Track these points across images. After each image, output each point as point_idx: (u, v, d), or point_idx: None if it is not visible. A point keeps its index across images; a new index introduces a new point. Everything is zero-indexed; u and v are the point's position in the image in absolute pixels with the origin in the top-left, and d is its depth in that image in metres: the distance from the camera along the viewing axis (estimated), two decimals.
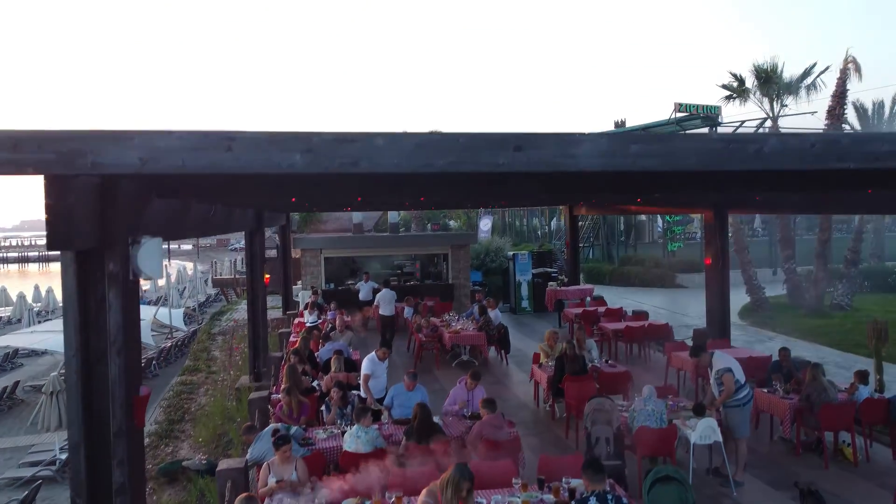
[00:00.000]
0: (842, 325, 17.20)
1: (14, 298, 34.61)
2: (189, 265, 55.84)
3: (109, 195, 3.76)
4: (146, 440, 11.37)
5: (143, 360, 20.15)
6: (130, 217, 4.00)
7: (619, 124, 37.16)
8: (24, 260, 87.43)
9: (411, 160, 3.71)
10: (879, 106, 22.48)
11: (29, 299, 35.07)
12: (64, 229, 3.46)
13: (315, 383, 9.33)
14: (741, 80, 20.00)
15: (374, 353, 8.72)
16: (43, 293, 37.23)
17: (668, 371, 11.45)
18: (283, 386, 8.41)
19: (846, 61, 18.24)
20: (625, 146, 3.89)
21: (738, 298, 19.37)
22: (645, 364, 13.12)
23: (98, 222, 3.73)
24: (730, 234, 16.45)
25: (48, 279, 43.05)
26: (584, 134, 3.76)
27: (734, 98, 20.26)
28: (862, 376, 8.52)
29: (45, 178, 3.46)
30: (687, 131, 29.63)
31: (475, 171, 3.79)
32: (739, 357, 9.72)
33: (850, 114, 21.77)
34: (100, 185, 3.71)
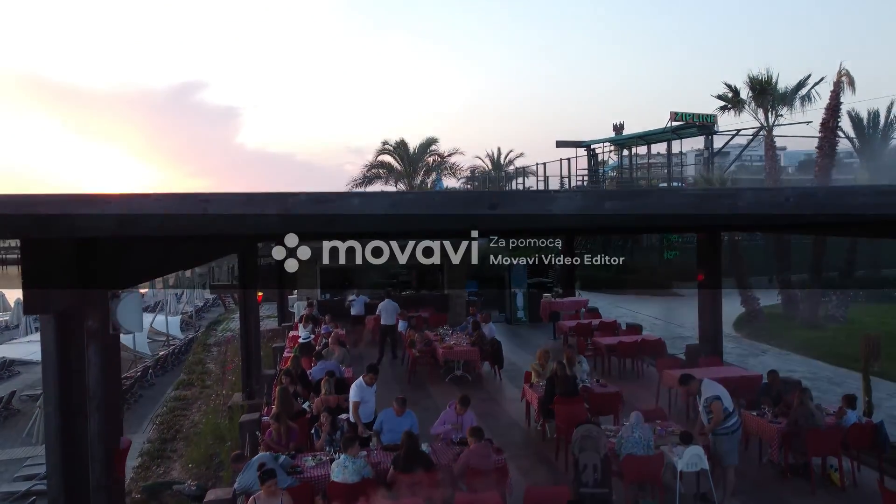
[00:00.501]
0: (835, 337, 17.24)
1: (12, 304, 34.58)
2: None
3: (87, 255, 3.79)
4: (139, 460, 11.41)
5: (139, 370, 20.23)
6: (109, 273, 4.03)
7: (618, 128, 37.42)
8: None
9: (386, 220, 3.74)
10: (875, 116, 22.56)
11: None
12: (41, 293, 3.49)
13: (306, 404, 9.35)
14: (736, 91, 20.07)
15: (361, 378, 8.73)
16: None
17: (659, 389, 11.47)
18: (273, 411, 8.43)
19: (840, 74, 18.29)
20: (599, 203, 3.92)
21: (733, 309, 19.40)
22: (638, 380, 13.12)
23: (76, 282, 3.75)
24: (725, 237, 16.43)
25: None
26: (558, 191, 3.79)
27: (729, 108, 20.32)
28: (849, 401, 8.55)
29: (22, 242, 3.48)
30: (682, 139, 29.90)
31: (451, 228, 3.82)
32: (730, 378, 9.76)
33: (846, 123, 21.84)
34: (77, 246, 3.73)
